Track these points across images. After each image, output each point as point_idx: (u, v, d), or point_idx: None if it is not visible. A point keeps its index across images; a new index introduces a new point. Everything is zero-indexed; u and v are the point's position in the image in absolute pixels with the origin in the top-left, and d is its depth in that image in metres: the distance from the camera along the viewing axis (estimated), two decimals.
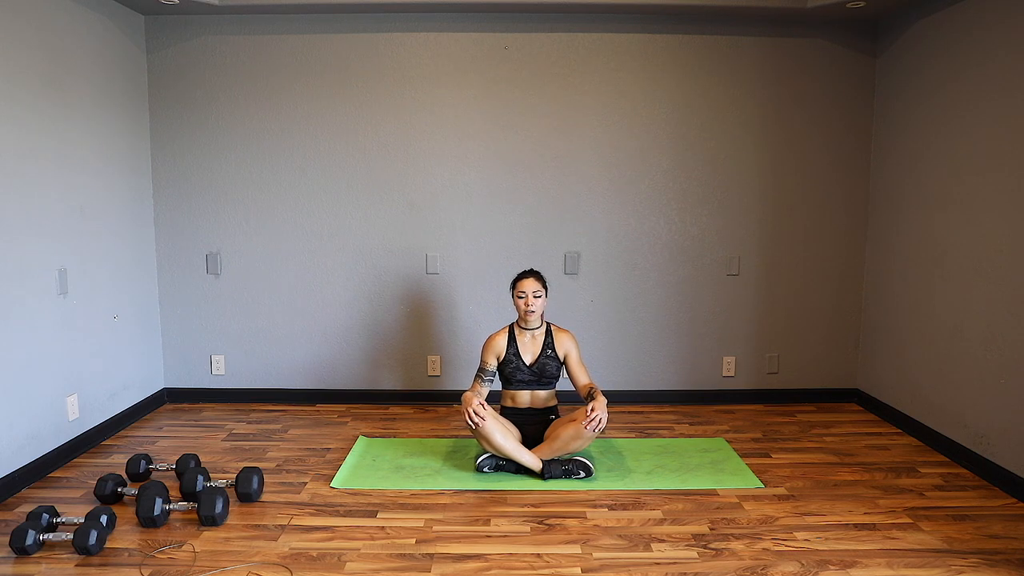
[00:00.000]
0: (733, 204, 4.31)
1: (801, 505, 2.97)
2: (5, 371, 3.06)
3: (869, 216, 4.33)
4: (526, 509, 2.93)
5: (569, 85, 4.20)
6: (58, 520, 2.69)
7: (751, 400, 4.44)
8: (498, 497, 3.05)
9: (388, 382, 4.44)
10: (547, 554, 2.56)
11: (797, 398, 4.46)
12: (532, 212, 4.29)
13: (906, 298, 3.93)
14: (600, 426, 3.10)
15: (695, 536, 2.70)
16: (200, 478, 2.97)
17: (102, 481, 2.96)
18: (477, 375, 3.43)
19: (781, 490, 3.12)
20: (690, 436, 3.84)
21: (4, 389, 3.05)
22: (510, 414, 3.46)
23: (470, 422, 3.11)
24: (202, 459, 3.49)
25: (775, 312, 4.41)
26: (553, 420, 3.47)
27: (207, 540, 2.65)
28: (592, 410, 3.10)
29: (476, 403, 3.13)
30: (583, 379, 3.43)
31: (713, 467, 3.37)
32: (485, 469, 3.28)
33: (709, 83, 4.21)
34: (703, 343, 4.42)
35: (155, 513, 2.70)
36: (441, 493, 3.09)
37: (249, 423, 4.04)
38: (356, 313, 4.37)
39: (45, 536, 2.56)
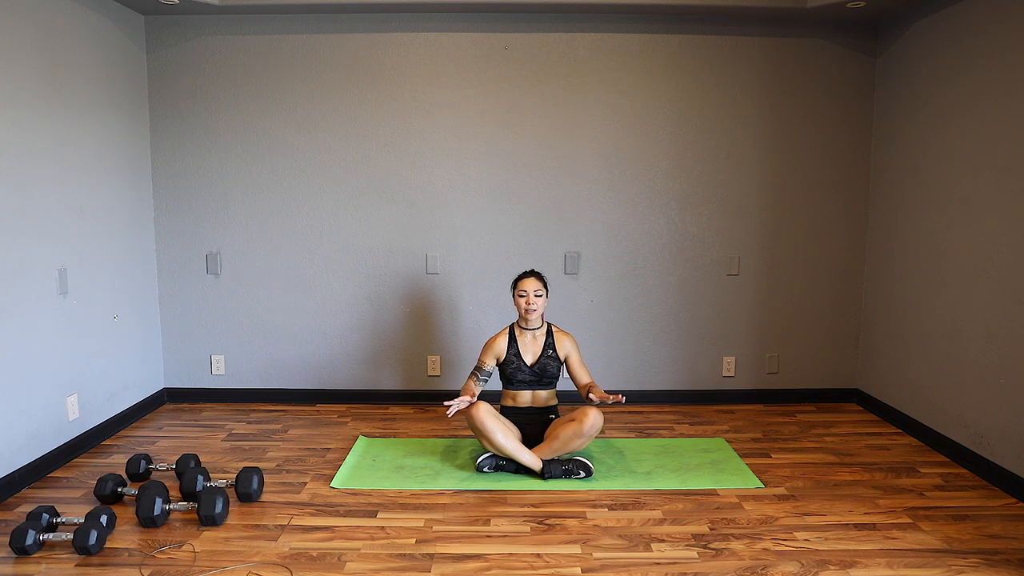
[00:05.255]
0: (733, 204, 4.31)
1: (801, 505, 2.97)
2: (5, 371, 3.06)
3: (869, 216, 4.33)
4: (526, 509, 2.93)
5: (569, 85, 4.20)
6: (58, 520, 2.69)
7: (751, 400, 4.44)
8: (498, 497, 3.05)
9: (388, 382, 4.44)
10: (547, 554, 2.56)
11: (797, 398, 4.46)
12: (532, 212, 4.29)
13: (906, 298, 3.93)
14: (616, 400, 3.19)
15: (695, 536, 2.70)
16: (200, 478, 2.96)
17: (102, 481, 2.96)
18: (473, 373, 3.45)
19: (781, 490, 3.12)
20: (690, 436, 3.84)
21: (4, 389, 3.05)
22: (510, 414, 3.46)
23: (452, 405, 3.14)
24: (202, 459, 3.49)
25: (775, 312, 4.41)
26: (553, 420, 3.47)
27: (207, 540, 2.65)
28: (597, 400, 3.22)
29: (467, 401, 3.18)
30: (585, 379, 3.45)
31: (713, 467, 3.37)
32: (485, 469, 3.28)
33: (709, 83, 4.21)
34: (703, 343, 4.42)
35: (155, 513, 2.70)
36: (441, 493, 3.09)
37: (249, 423, 4.04)
38: (356, 313, 4.37)
39: (45, 536, 2.56)
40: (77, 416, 3.54)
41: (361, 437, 3.78)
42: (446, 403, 3.20)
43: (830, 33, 4.20)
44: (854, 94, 4.25)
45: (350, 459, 3.46)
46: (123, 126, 3.95)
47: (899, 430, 3.94)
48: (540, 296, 3.42)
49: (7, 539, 2.63)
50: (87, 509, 2.91)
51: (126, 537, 2.67)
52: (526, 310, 3.41)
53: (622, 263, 4.34)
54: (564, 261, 4.33)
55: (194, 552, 2.56)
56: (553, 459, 3.23)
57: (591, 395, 3.26)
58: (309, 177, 4.26)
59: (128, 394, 4.02)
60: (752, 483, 3.18)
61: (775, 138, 4.27)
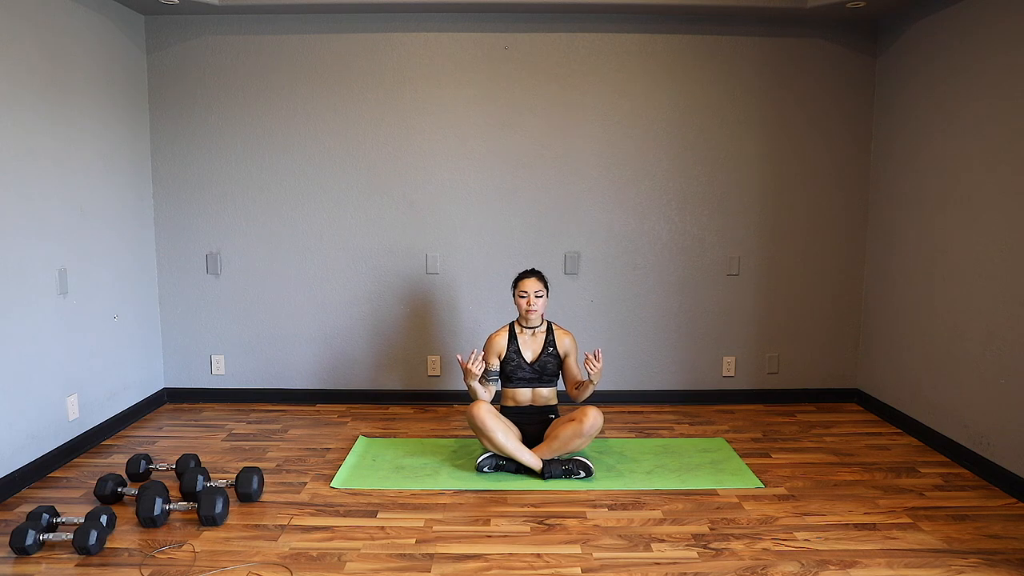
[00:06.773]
0: (733, 204, 4.31)
1: (801, 505, 2.97)
2: (5, 371, 3.06)
3: (869, 216, 4.33)
4: (526, 509, 2.93)
5: (569, 85, 4.20)
6: (58, 520, 2.69)
7: (751, 400, 4.44)
8: (498, 497, 3.05)
9: (388, 382, 4.44)
10: (547, 554, 2.56)
11: (797, 398, 4.46)
12: (532, 212, 4.29)
13: (906, 298, 3.93)
14: (598, 366, 3.19)
15: (695, 536, 2.70)
16: (200, 478, 2.96)
17: (102, 481, 2.96)
18: (480, 378, 3.44)
19: (781, 490, 3.12)
20: (690, 436, 3.84)
21: (4, 389, 3.05)
22: (510, 413, 3.46)
23: (473, 363, 3.18)
24: (202, 459, 3.49)
25: (775, 312, 4.41)
26: (553, 419, 3.47)
27: (207, 540, 2.65)
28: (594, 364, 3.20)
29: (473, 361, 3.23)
30: (579, 376, 3.47)
31: (713, 467, 3.37)
32: (485, 469, 3.28)
33: (709, 83, 4.21)
34: (703, 343, 4.42)
35: (155, 513, 2.70)
36: (441, 493, 3.09)
37: (249, 423, 4.04)
38: (356, 313, 4.37)
39: (45, 536, 2.56)
40: (77, 416, 3.54)
41: (361, 437, 3.78)
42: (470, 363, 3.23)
43: (830, 33, 4.20)
44: (854, 94, 4.25)
45: (350, 459, 3.46)
46: (123, 126, 3.95)
47: (899, 430, 3.94)
48: (541, 296, 3.42)
49: (7, 539, 2.63)
50: (87, 509, 2.91)
51: (126, 537, 2.67)
52: (527, 311, 3.41)
53: (622, 263, 4.34)
54: (564, 261, 4.33)
55: (194, 552, 2.56)
56: (553, 459, 3.23)
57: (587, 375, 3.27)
58: (309, 177, 4.26)
59: (128, 394, 4.02)
60: (752, 483, 3.18)
61: (775, 138, 4.27)
